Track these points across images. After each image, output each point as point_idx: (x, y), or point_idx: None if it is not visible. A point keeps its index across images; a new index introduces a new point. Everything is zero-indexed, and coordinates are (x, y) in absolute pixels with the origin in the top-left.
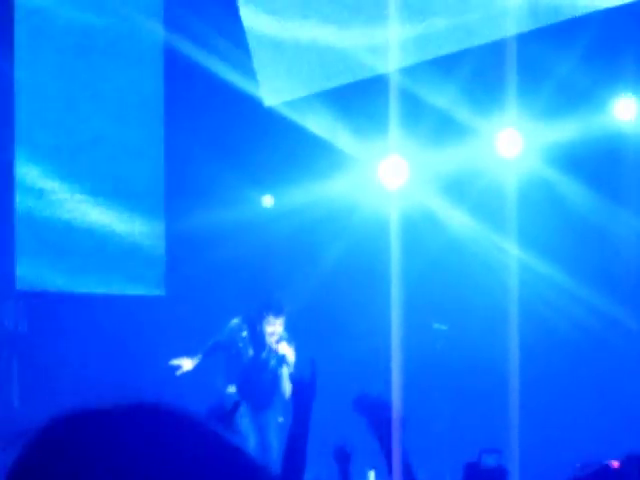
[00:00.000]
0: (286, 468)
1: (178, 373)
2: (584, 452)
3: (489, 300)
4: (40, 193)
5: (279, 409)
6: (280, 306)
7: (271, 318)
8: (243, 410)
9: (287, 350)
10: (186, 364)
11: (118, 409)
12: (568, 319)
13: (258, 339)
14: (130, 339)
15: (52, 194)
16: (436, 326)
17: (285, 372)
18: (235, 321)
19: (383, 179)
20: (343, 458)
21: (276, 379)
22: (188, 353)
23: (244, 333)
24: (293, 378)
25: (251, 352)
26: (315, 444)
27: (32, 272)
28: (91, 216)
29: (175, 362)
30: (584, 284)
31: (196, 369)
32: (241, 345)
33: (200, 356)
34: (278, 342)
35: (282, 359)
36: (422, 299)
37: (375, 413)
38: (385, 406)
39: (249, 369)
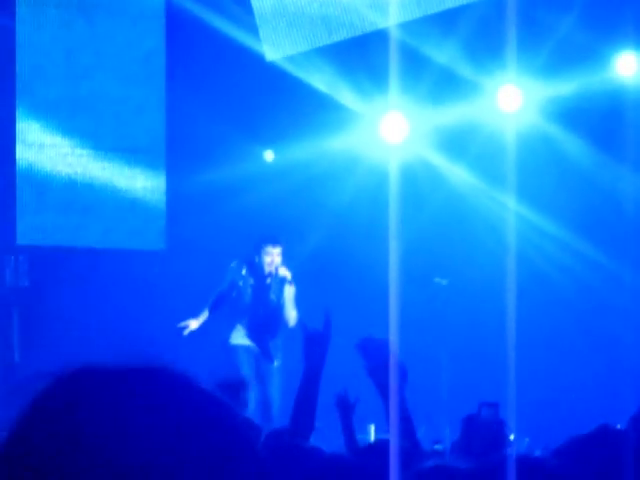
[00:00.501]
0: (295, 421)
1: (186, 333)
2: (582, 406)
3: (488, 254)
4: (41, 148)
5: (280, 351)
6: (276, 236)
7: (269, 248)
8: (245, 359)
9: (287, 273)
10: (192, 324)
11: (122, 371)
12: (566, 273)
13: (257, 271)
14: (131, 293)
15: (53, 149)
16: (437, 280)
17: (288, 295)
18: (234, 263)
19: (384, 134)
20: (345, 408)
21: (279, 310)
22: (188, 307)
23: (243, 271)
24: (306, 328)
25: (251, 283)
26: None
27: (33, 227)
28: (92, 171)
29: (182, 324)
30: (583, 238)
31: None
32: (241, 284)
33: (205, 313)
34: (277, 269)
35: (283, 281)
36: (423, 253)
37: (378, 357)
38: (387, 351)
39: (251, 304)
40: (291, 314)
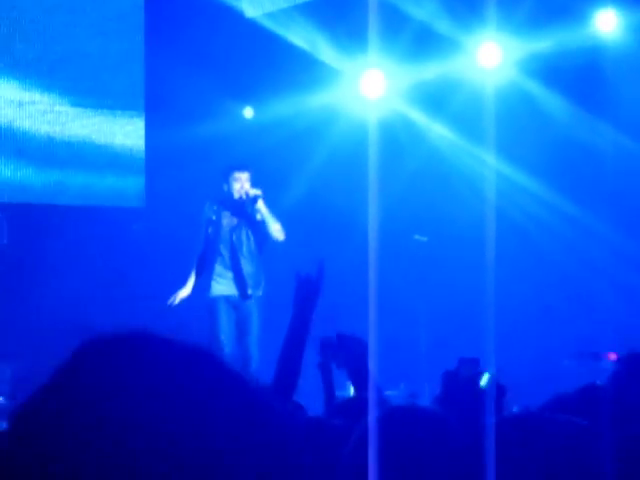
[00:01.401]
0: (280, 373)
1: (176, 303)
2: (562, 362)
3: (468, 211)
4: (19, 105)
5: (263, 280)
6: (243, 162)
7: (236, 174)
8: (224, 312)
9: (257, 191)
10: (182, 293)
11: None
12: (545, 228)
13: (229, 199)
14: (111, 251)
15: (31, 106)
16: (416, 237)
17: (265, 210)
18: (206, 204)
19: (364, 90)
20: (328, 370)
21: (258, 230)
22: (169, 265)
23: (215, 206)
24: (298, 275)
25: (225, 212)
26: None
27: (11, 184)
28: (71, 128)
29: (171, 299)
30: (562, 195)
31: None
32: (214, 218)
33: (192, 278)
34: (247, 192)
35: (255, 199)
36: (402, 210)
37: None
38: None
39: (228, 234)
40: (275, 227)
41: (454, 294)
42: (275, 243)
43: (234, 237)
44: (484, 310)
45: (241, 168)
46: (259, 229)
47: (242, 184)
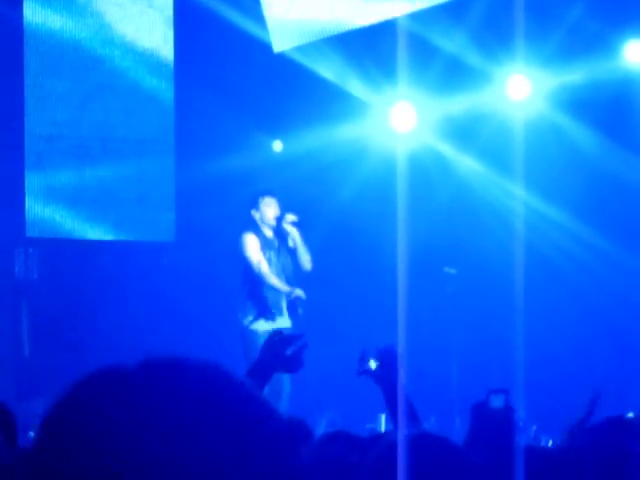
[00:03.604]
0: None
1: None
2: (591, 394)
3: (497, 242)
4: (50, 140)
5: (302, 301)
6: (270, 188)
7: (267, 199)
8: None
9: (294, 217)
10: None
11: (139, 370)
12: (574, 261)
13: (266, 225)
14: (140, 286)
15: (61, 140)
16: (446, 269)
17: (298, 239)
18: (244, 236)
19: (394, 123)
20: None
21: (294, 259)
22: (198, 299)
23: (256, 236)
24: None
25: (266, 241)
26: (329, 387)
27: (42, 219)
28: (101, 163)
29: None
30: (591, 226)
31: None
32: (261, 247)
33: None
34: (280, 222)
35: (293, 225)
36: (432, 242)
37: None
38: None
39: (274, 257)
40: (305, 257)
41: (484, 326)
42: (308, 275)
43: (282, 260)
44: (514, 342)
45: (271, 193)
46: (294, 254)
47: (275, 209)
